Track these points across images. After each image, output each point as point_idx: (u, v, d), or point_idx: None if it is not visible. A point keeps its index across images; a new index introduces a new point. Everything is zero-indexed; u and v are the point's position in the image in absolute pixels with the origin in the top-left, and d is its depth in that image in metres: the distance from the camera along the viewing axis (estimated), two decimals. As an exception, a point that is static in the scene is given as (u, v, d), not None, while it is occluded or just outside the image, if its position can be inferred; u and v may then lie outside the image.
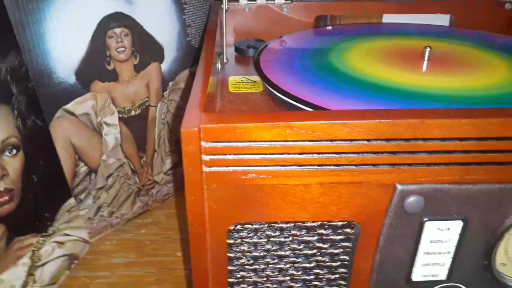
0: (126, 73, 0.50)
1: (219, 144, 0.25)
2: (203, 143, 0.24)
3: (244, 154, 0.25)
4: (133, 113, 0.52)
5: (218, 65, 0.43)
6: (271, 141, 0.25)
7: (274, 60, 0.43)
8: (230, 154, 0.25)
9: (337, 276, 0.31)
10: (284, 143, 0.25)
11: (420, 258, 0.29)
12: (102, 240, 0.53)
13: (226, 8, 0.42)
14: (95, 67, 0.48)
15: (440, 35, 0.51)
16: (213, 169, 0.25)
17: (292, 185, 0.27)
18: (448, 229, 0.28)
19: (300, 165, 0.26)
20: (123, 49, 0.49)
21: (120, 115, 0.51)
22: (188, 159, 0.25)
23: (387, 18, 0.59)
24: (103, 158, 0.51)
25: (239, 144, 0.25)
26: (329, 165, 0.26)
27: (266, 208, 0.28)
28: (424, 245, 0.28)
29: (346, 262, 0.31)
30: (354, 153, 0.25)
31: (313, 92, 0.36)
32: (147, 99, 0.53)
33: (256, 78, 0.42)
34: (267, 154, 0.25)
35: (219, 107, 0.38)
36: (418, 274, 0.30)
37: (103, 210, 0.53)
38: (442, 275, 0.30)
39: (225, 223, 0.28)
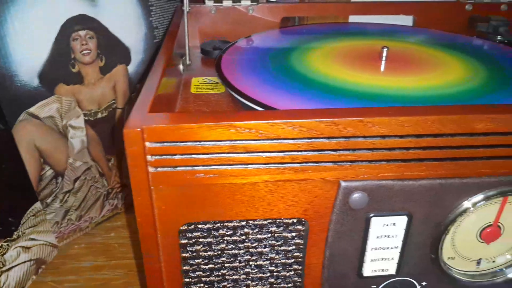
0: (91, 75, 0.50)
1: (164, 145, 0.25)
2: (147, 144, 0.25)
3: (190, 154, 0.26)
4: (99, 115, 0.52)
5: (181, 67, 0.43)
6: (216, 140, 0.25)
7: (234, 61, 0.44)
8: (175, 154, 0.25)
9: (292, 273, 0.32)
10: (228, 142, 0.25)
11: (369, 254, 0.30)
12: (71, 244, 0.53)
13: (188, 10, 0.42)
14: (59, 70, 0.47)
15: (400, 34, 0.52)
16: (159, 169, 0.26)
17: (239, 183, 0.27)
18: (394, 224, 0.28)
19: (246, 164, 0.26)
20: (88, 51, 0.49)
21: (86, 118, 0.51)
22: (133, 160, 0.25)
23: (353, 18, 0.60)
24: (70, 161, 0.51)
25: (184, 144, 0.25)
26: (273, 163, 0.26)
27: (216, 207, 0.28)
28: (371, 240, 0.29)
29: (299, 259, 0.31)
30: (296, 151, 0.26)
31: (269, 92, 0.36)
32: (113, 101, 0.53)
33: (218, 79, 0.42)
34: (212, 153, 0.26)
35: (179, 108, 0.38)
36: (368, 269, 0.30)
37: (71, 213, 0.53)
38: (392, 270, 0.31)
39: (176, 224, 0.28)
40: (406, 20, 0.58)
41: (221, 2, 0.53)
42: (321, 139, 0.25)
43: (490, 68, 0.41)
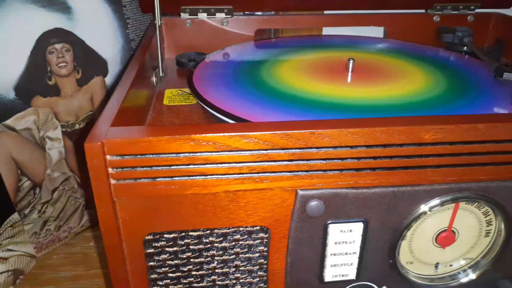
0: (68, 87, 0.51)
1: (125, 158, 0.26)
2: (108, 157, 0.26)
3: (150, 167, 0.27)
4: (77, 126, 0.53)
5: (153, 79, 0.44)
6: (175, 153, 0.26)
7: (206, 73, 0.45)
8: (136, 167, 0.26)
9: (257, 279, 0.33)
10: (187, 154, 0.26)
11: (328, 259, 0.31)
12: (49, 254, 0.53)
13: (159, 24, 0.44)
14: (36, 82, 0.48)
15: (368, 46, 0.53)
16: (120, 181, 0.27)
17: (201, 194, 0.28)
18: (351, 230, 0.30)
19: (205, 175, 0.27)
20: (65, 64, 0.50)
21: (64, 129, 0.52)
22: (94, 172, 0.26)
23: (327, 30, 0.61)
24: (48, 172, 0.51)
25: (144, 157, 0.26)
26: (232, 174, 0.27)
27: (179, 217, 0.29)
28: (330, 246, 0.30)
29: (264, 266, 0.32)
30: (254, 162, 0.27)
31: (238, 104, 0.37)
32: (91, 112, 0.54)
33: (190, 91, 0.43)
34: (172, 165, 0.27)
35: (150, 119, 0.39)
36: (329, 274, 0.31)
37: (50, 224, 0.53)
38: (352, 275, 0.32)
39: (140, 234, 0.29)
40: (377, 31, 0.60)
41: (196, 15, 0.54)
42: (276, 150, 0.27)
43: (451, 79, 0.42)
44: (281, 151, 0.27)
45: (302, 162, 0.27)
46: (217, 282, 0.33)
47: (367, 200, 0.29)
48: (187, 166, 0.27)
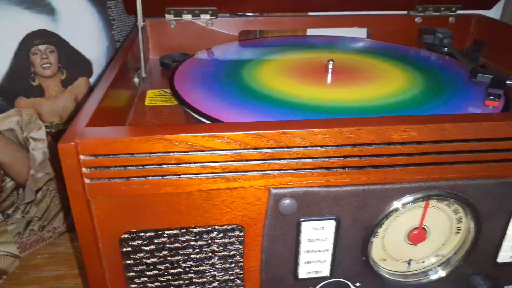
0: (52, 88, 0.51)
1: (99, 157, 0.26)
2: (81, 157, 0.26)
3: (124, 166, 0.27)
4: (62, 127, 0.53)
5: (136, 80, 0.45)
6: (148, 153, 0.27)
7: (188, 74, 0.45)
8: (110, 167, 0.27)
9: (233, 277, 0.33)
10: (160, 154, 0.27)
11: (302, 256, 0.31)
12: (33, 255, 0.54)
13: (142, 25, 0.44)
14: (19, 83, 0.48)
15: (349, 47, 0.54)
16: (95, 181, 0.27)
17: (175, 193, 0.29)
18: (323, 228, 0.30)
19: (179, 175, 0.28)
20: (49, 65, 0.50)
21: (48, 130, 0.52)
22: (68, 172, 0.26)
23: (311, 31, 0.62)
24: (31, 172, 0.52)
25: (118, 156, 0.27)
26: (205, 173, 0.28)
27: (154, 216, 0.30)
28: (303, 244, 0.31)
29: (240, 263, 0.33)
30: (226, 161, 0.27)
31: (217, 105, 0.38)
32: (76, 113, 0.54)
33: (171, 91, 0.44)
34: (146, 165, 0.27)
35: (131, 120, 0.40)
36: (303, 271, 0.32)
37: (34, 224, 0.53)
38: (326, 272, 0.32)
39: (116, 232, 0.30)
40: (361, 32, 0.61)
41: (181, 16, 0.55)
42: (248, 150, 0.27)
43: (428, 79, 0.43)
44: (253, 150, 0.27)
45: (274, 161, 0.28)
46: (194, 280, 0.33)
47: (338, 198, 0.29)
48: (160, 166, 0.27)
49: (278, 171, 0.28)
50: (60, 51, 0.51)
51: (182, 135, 0.26)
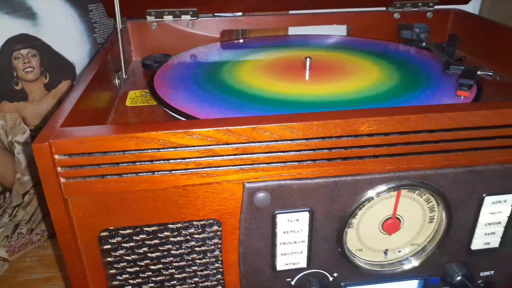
0: (36, 92, 0.52)
1: (73, 157, 0.27)
2: (56, 156, 0.27)
3: (98, 165, 0.28)
4: (46, 130, 0.54)
5: (116, 81, 0.45)
6: (122, 151, 0.27)
7: (168, 74, 0.46)
8: (85, 166, 0.27)
9: (214, 271, 0.34)
10: (134, 152, 0.27)
11: (279, 248, 0.32)
12: (22, 258, 0.54)
13: (120, 27, 0.45)
14: (2, 88, 0.49)
15: (328, 44, 0.55)
16: (70, 180, 0.28)
17: (150, 190, 0.29)
18: (297, 220, 0.31)
19: (152, 172, 0.28)
20: (31, 69, 0.51)
21: (33, 134, 0.53)
22: (43, 172, 0.27)
23: (293, 30, 0.63)
24: (18, 176, 0.52)
25: (92, 155, 0.27)
26: (178, 169, 0.28)
27: (132, 213, 0.30)
28: (279, 236, 0.32)
29: (220, 258, 0.33)
30: (199, 157, 0.28)
31: (195, 103, 0.39)
32: (60, 116, 0.55)
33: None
34: (120, 163, 0.28)
35: (111, 120, 0.40)
36: (280, 263, 0.33)
37: (22, 227, 0.54)
38: (303, 263, 0.33)
39: (94, 230, 0.30)
40: (341, 29, 0.62)
41: (162, 18, 0.55)
42: (220, 146, 0.28)
43: (404, 73, 0.44)
44: (225, 146, 0.28)
45: (246, 156, 0.29)
46: (175, 276, 0.34)
47: (311, 190, 0.30)
48: (133, 164, 0.28)
49: (250, 166, 0.29)
50: (42, 55, 0.52)
51: (153, 132, 0.27)
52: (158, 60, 0.53)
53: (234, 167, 0.29)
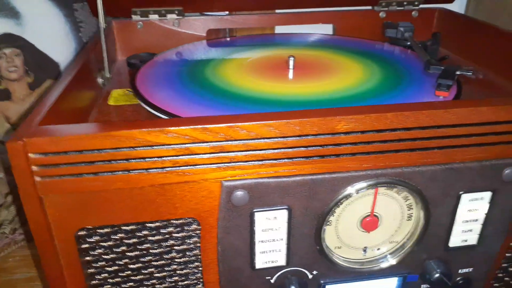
0: (20, 91, 0.52)
1: (48, 155, 0.27)
2: (30, 155, 0.27)
3: (74, 163, 0.27)
4: (30, 130, 0.53)
5: (99, 80, 0.45)
6: (97, 149, 0.27)
7: (152, 72, 0.46)
8: (60, 164, 0.27)
9: (194, 270, 0.34)
10: (109, 150, 0.27)
11: (257, 247, 0.32)
12: (5, 258, 0.54)
13: (104, 26, 0.44)
14: (-15, 87, 0.49)
15: (312, 43, 0.55)
16: (46, 179, 0.27)
17: (127, 189, 0.29)
18: (275, 218, 0.31)
19: (128, 170, 0.28)
20: (15, 68, 0.51)
21: (17, 133, 0.52)
22: (18, 170, 0.27)
23: (279, 29, 0.63)
24: (1, 176, 0.52)
25: (67, 154, 0.27)
26: (155, 168, 0.28)
27: (109, 212, 0.30)
28: (258, 234, 0.32)
29: (199, 256, 0.33)
30: (175, 156, 0.28)
31: (178, 101, 0.39)
32: (45, 115, 0.55)
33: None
34: (95, 162, 0.28)
35: (92, 119, 0.40)
36: (259, 261, 0.33)
37: (5, 227, 0.53)
38: (282, 261, 0.33)
39: (71, 229, 0.30)
40: (327, 28, 0.62)
41: (147, 17, 0.55)
42: (196, 144, 0.28)
43: (386, 72, 0.44)
44: (202, 144, 0.28)
45: (223, 154, 0.29)
46: (155, 275, 0.34)
47: (288, 188, 0.30)
48: (109, 162, 0.28)
49: (228, 164, 0.29)
50: (26, 54, 0.51)
51: (128, 131, 0.27)
52: (143, 59, 0.53)
53: (211, 165, 0.29)
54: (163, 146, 0.28)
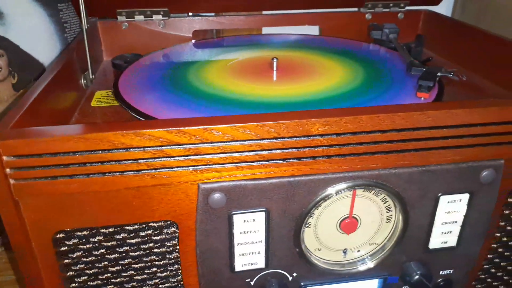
0: (3, 92, 0.51)
1: (22, 158, 0.27)
2: (4, 158, 0.26)
3: (48, 166, 0.27)
4: (15, 131, 0.53)
5: (82, 81, 0.45)
6: (71, 152, 0.27)
7: (135, 74, 0.46)
8: (35, 167, 0.27)
9: (173, 272, 0.34)
10: (84, 153, 0.27)
11: (236, 249, 0.32)
12: (-9, 260, 0.54)
13: (86, 27, 0.44)
14: (-32, 88, 0.48)
15: (296, 44, 0.55)
16: (20, 181, 0.27)
17: (102, 191, 0.29)
18: (254, 220, 0.31)
19: (103, 173, 0.28)
20: (-2, 69, 0.50)
21: (1, 134, 0.52)
22: (-9, 173, 0.26)
23: (266, 30, 0.63)
24: (-15, 177, 0.51)
25: (42, 157, 0.27)
26: (130, 171, 0.28)
27: (86, 215, 0.30)
28: (236, 236, 0.32)
29: (179, 259, 0.33)
30: (151, 158, 0.28)
31: (158, 104, 0.38)
32: (30, 117, 0.54)
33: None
34: (70, 164, 0.27)
35: (74, 121, 0.40)
36: (239, 263, 0.33)
37: (-10, 229, 0.53)
38: (261, 263, 0.33)
39: (48, 232, 0.30)
40: (313, 29, 0.62)
41: (133, 18, 0.55)
42: (172, 147, 0.28)
43: (369, 73, 0.44)
44: (177, 147, 0.28)
45: (199, 157, 0.29)
46: (135, 277, 0.34)
47: (266, 191, 0.30)
48: (84, 165, 0.27)
49: (204, 166, 0.29)
50: (10, 55, 0.51)
51: (102, 133, 0.27)
52: (128, 60, 0.53)
53: (187, 168, 0.29)
54: (138, 149, 0.28)
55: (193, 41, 0.57)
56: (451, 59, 0.54)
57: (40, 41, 0.53)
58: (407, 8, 0.60)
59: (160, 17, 0.55)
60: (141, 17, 0.55)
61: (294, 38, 0.58)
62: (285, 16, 0.59)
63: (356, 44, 0.55)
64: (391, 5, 0.59)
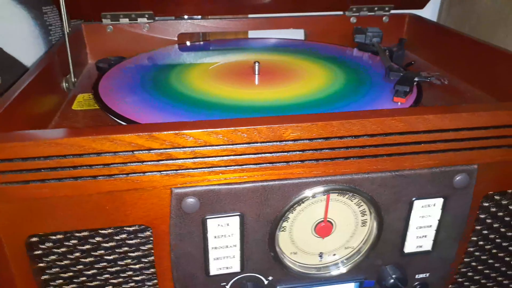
0: (-14, 95, 0.51)
1: (-7, 163, 0.27)
2: (-26, 163, 0.26)
3: (20, 171, 0.27)
4: (-2, 134, 0.53)
5: (64, 84, 0.45)
6: (43, 157, 0.27)
7: (117, 77, 0.46)
8: (5, 172, 0.27)
9: (149, 276, 0.34)
10: (55, 158, 0.27)
11: (211, 253, 0.32)
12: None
13: (68, 31, 0.44)
14: (-50, 91, 0.48)
15: (280, 48, 0.56)
16: (-9, 186, 0.27)
17: (75, 196, 0.29)
18: (228, 224, 0.31)
19: (74, 178, 0.28)
20: (-19, 72, 0.50)
21: (-16, 137, 0.52)
22: (-40, 178, 0.26)
23: (252, 34, 0.63)
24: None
25: (12, 161, 0.27)
26: (101, 175, 0.28)
27: (59, 219, 0.30)
28: (210, 240, 0.32)
29: (153, 263, 0.33)
30: (122, 163, 0.28)
31: (138, 107, 0.39)
32: (13, 119, 0.54)
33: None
34: (41, 169, 0.27)
35: (54, 124, 0.40)
36: (213, 267, 0.33)
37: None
38: (236, 267, 0.33)
39: (21, 236, 0.30)
40: (298, 33, 0.62)
41: (118, 21, 0.55)
42: (143, 151, 0.28)
43: (350, 78, 0.45)
44: (148, 152, 0.28)
45: (171, 161, 0.29)
46: (111, 281, 0.34)
47: (240, 195, 0.30)
48: (55, 170, 0.28)
49: (176, 171, 0.29)
50: (-7, 57, 0.51)
51: (73, 138, 0.27)
52: (112, 63, 0.53)
53: (159, 172, 0.29)
54: (109, 154, 0.28)
55: (178, 44, 0.57)
56: (435, 63, 0.54)
57: (24, 43, 0.53)
58: (392, 11, 0.60)
59: (145, 20, 0.55)
60: (126, 20, 0.55)
61: (278, 42, 0.58)
62: (271, 19, 0.59)
63: (340, 49, 0.55)
64: (376, 8, 0.59)
